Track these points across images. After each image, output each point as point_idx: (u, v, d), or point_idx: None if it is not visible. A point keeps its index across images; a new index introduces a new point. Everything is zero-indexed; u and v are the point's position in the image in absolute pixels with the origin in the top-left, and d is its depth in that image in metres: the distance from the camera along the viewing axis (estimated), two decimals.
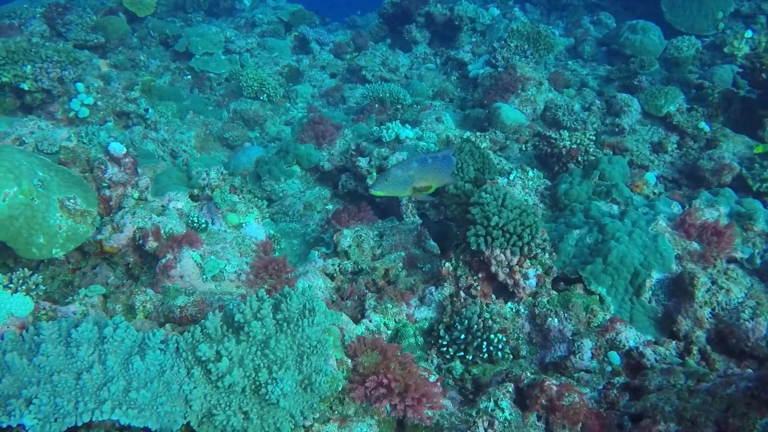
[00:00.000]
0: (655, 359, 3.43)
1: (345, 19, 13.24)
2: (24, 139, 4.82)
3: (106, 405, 2.39)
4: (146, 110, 6.68)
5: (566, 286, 4.00)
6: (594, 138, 5.57)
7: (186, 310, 3.30)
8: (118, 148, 4.27)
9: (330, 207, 5.98)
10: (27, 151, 3.52)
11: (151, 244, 4.03)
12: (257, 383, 2.66)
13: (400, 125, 6.05)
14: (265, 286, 4.05)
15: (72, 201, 3.45)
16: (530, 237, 3.78)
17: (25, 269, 2.90)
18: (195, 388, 2.64)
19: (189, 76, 8.26)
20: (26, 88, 6.26)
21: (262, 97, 8.00)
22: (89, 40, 7.76)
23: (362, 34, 9.20)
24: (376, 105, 7.15)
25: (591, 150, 5.39)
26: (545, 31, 7.37)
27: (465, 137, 5.99)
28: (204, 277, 3.98)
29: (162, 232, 4.11)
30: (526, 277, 3.83)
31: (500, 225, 3.79)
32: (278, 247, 4.69)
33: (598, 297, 3.86)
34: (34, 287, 2.85)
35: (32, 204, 3.24)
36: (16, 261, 3.84)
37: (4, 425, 2.30)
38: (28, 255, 3.24)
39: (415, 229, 4.89)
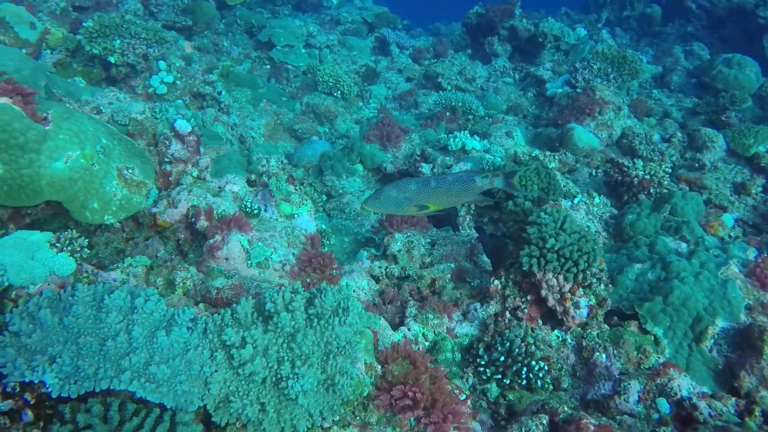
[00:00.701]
0: (710, 414, 3.16)
1: (429, 27, 13.16)
2: (102, 108, 4.94)
3: (125, 375, 2.36)
4: (219, 93, 6.77)
5: (620, 321, 3.76)
6: (670, 171, 5.26)
7: (222, 292, 3.26)
8: (183, 126, 4.31)
9: None
10: (95, 118, 3.57)
11: (203, 223, 4.03)
12: (278, 376, 2.58)
13: (468, 135, 5.91)
14: (307, 280, 3.99)
15: (130, 171, 3.47)
16: (587, 264, 3.57)
17: (73, 230, 2.92)
18: (216, 371, 2.58)
19: (268, 66, 8.35)
20: (113, 61, 6.44)
21: (335, 94, 7.99)
22: (178, 21, 7.93)
23: (443, 41, 9.10)
24: (448, 113, 7.02)
25: (665, 183, 5.09)
26: (632, 57, 7.06)
27: (533, 155, 5.78)
28: (249, 262, 3.94)
29: (214, 212, 4.11)
30: (577, 306, 3.62)
31: (556, 248, 3.60)
32: (327, 242, 4.62)
33: (653, 338, 3.60)
34: (79, 249, 2.86)
35: (92, 169, 3.28)
36: (76, 224, 3.91)
37: (27, 379, 2.29)
38: (82, 218, 3.27)
39: (468, 242, 4.73)
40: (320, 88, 8.01)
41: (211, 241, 3.92)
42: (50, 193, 3.17)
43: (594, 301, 3.64)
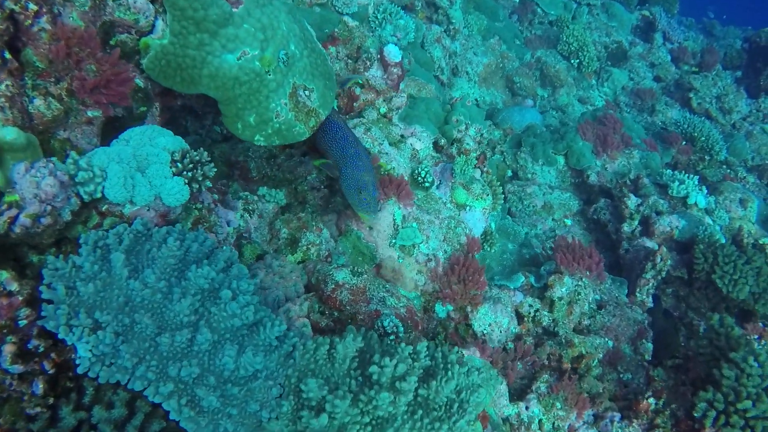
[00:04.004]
0: None
1: (703, 19, 10.98)
2: None
3: (166, 387, 1.71)
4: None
5: None
6: None
7: (339, 291, 2.51)
8: (393, 54, 3.46)
9: (569, 223, 4.82)
10: (295, 14, 2.82)
11: None
12: None
13: (696, 185, 4.58)
14: (446, 290, 3.16)
15: (306, 93, 2.73)
16: None
17: (204, 153, 2.26)
18: (276, 419, 1.88)
19: (517, 0, 7.13)
20: None
21: (572, 60, 6.71)
22: None
23: (715, 51, 7.29)
24: (683, 142, 5.61)
25: None
26: None
27: (761, 242, 4.34)
28: (393, 241, 3.17)
29: (382, 168, 3.33)
30: None
31: (748, 415, 2.56)
32: (489, 249, 3.72)
33: None
34: (201, 179, 2.21)
35: (264, 77, 2.56)
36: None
37: (60, 336, 1.72)
38: (232, 128, 2.62)
39: (641, 323, 3.66)
40: (559, 48, 6.74)
41: None
42: (207, 86, 2.50)
43: None
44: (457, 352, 2.12)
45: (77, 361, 1.72)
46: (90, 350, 1.71)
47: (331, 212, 3.32)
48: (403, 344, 1.98)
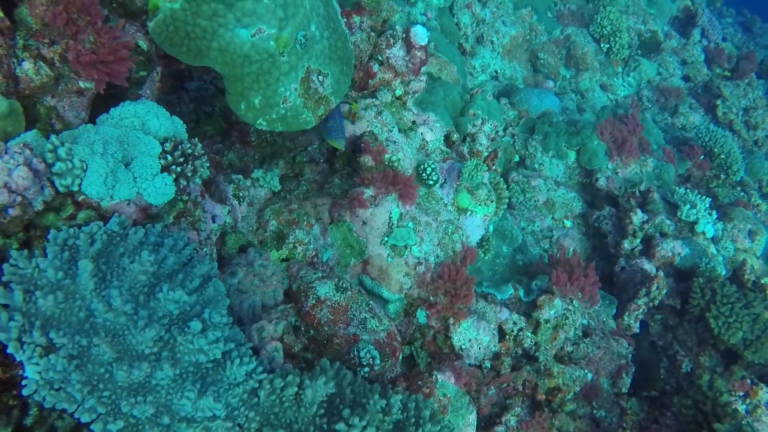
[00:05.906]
0: None
1: (743, 11, 10.44)
2: None
3: (114, 424, 1.57)
4: None
5: None
6: None
7: (320, 308, 2.35)
8: (420, 35, 3.16)
9: (569, 224, 4.65)
10: None
11: (366, 159, 3.06)
12: None
13: (707, 210, 4.42)
14: (431, 298, 3.02)
15: (320, 79, 2.48)
16: None
17: (199, 145, 2.03)
18: None
19: None
20: None
21: (602, 45, 6.36)
22: None
23: (753, 58, 6.92)
24: (702, 156, 5.39)
25: None
26: None
27: (764, 282, 4.24)
28: (385, 239, 3.00)
29: (386, 156, 3.11)
30: None
31: None
32: (482, 256, 3.56)
33: None
34: (190, 174, 1.99)
35: (277, 58, 2.31)
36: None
37: (9, 351, 1.56)
38: (234, 107, 2.39)
39: (624, 357, 3.57)
40: (591, 29, 6.38)
41: (363, 192, 2.96)
42: (215, 60, 2.25)
43: None
44: (432, 404, 2.00)
45: (23, 382, 1.57)
46: (39, 372, 1.56)
47: (326, 195, 3.13)
48: (376, 396, 1.85)
